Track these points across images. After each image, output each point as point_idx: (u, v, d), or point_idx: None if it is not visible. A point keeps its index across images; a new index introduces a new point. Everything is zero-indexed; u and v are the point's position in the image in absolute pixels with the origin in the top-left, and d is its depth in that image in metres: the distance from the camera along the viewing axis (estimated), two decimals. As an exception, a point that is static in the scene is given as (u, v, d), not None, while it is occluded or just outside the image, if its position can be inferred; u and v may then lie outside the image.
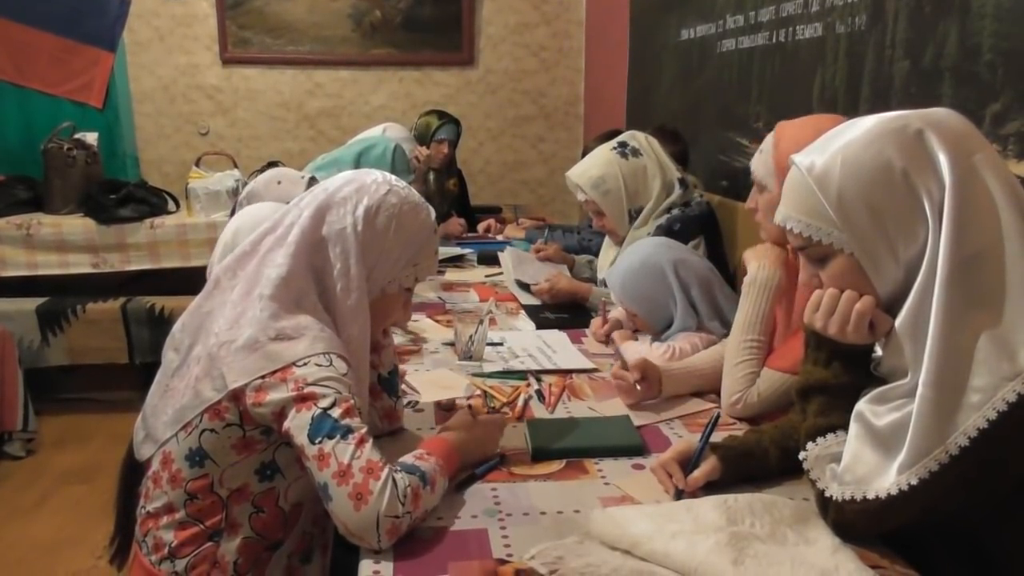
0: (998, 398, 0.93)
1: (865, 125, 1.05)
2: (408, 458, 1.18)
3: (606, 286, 2.16)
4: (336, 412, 1.11)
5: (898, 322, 1.02)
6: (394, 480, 1.09)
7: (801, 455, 1.12)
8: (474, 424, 1.36)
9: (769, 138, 1.55)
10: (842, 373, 1.10)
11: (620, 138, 2.40)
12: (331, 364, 1.15)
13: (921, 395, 0.96)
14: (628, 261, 2.00)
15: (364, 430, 1.12)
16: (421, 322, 2.18)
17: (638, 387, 1.59)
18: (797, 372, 1.40)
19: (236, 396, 1.14)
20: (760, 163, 1.56)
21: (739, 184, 2.66)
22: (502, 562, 1.06)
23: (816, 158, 1.05)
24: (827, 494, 1.07)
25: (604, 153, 2.37)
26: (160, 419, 1.23)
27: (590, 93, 5.01)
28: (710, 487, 1.23)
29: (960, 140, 1.01)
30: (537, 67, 5.07)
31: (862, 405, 1.06)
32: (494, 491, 1.27)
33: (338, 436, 1.09)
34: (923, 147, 1.00)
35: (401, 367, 1.68)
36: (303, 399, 1.11)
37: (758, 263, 1.58)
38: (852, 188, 1.02)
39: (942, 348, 0.96)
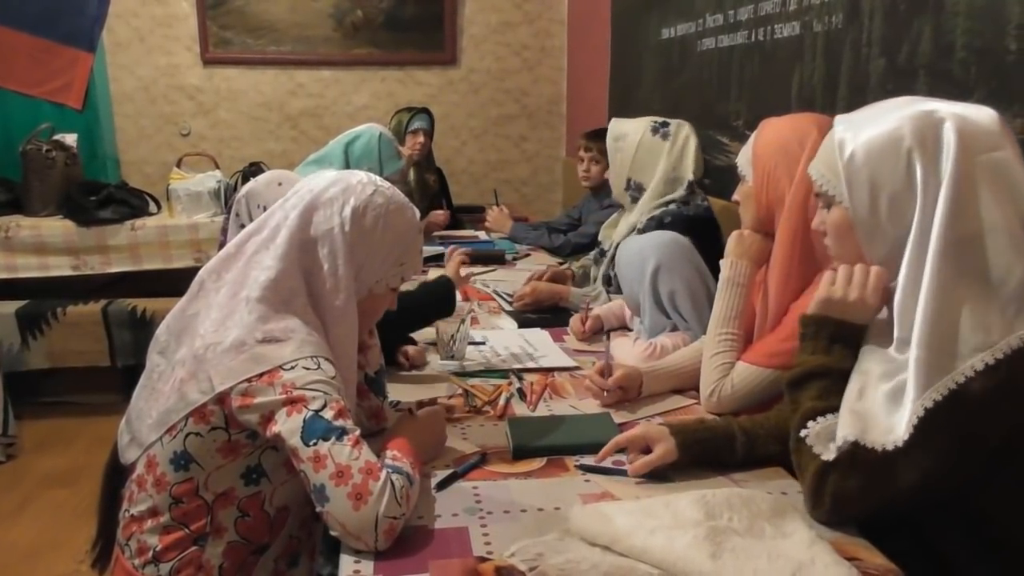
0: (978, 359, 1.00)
1: (909, 103, 1.11)
2: (387, 459, 1.17)
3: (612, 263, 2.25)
4: (328, 414, 1.10)
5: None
6: (391, 481, 1.09)
7: (802, 433, 1.13)
8: (416, 422, 1.37)
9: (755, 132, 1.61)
10: (843, 358, 1.15)
11: (666, 119, 2.47)
12: (319, 367, 1.15)
13: (915, 356, 1.02)
14: (635, 241, 2.03)
15: (358, 432, 1.12)
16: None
17: (606, 394, 1.61)
18: (771, 366, 1.45)
19: (221, 399, 1.13)
20: (741, 154, 1.62)
21: (720, 182, 2.67)
22: (482, 559, 1.07)
23: (855, 117, 1.14)
24: (826, 457, 1.09)
25: (643, 120, 2.46)
26: (145, 422, 1.21)
27: (572, 92, 5.02)
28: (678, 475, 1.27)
29: (975, 136, 1.05)
30: (519, 66, 5.07)
31: (862, 366, 1.12)
32: (475, 489, 1.27)
33: (333, 437, 1.08)
34: (937, 135, 1.06)
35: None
36: (292, 402, 1.11)
37: (733, 259, 1.60)
38: (862, 153, 1.10)
39: (930, 318, 1.02)
